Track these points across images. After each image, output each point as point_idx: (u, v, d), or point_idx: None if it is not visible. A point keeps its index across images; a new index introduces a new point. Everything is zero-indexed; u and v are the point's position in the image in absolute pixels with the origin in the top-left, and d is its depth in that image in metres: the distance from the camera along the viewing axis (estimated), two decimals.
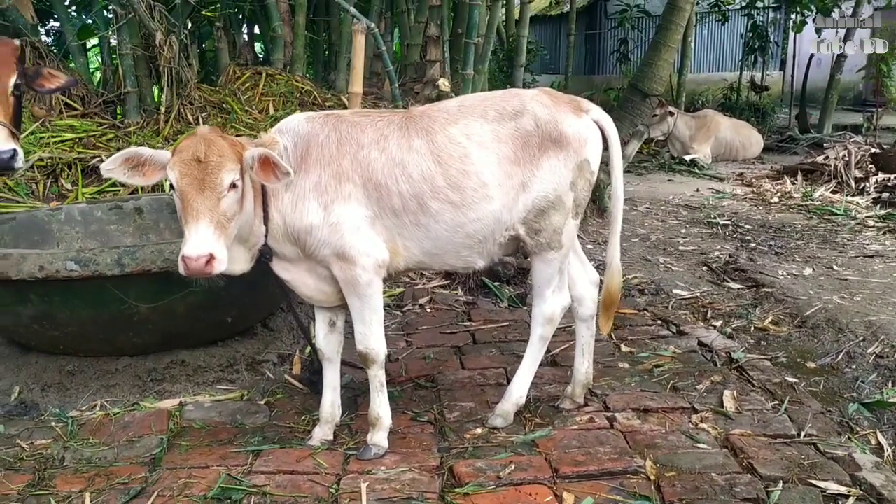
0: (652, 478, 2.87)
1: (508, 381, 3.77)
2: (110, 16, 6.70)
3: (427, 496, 2.76)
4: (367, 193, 2.87)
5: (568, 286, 3.40)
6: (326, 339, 3.18)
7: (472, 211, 2.93)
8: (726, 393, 3.57)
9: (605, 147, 3.24)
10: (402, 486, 2.82)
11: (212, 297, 3.46)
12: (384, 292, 4.97)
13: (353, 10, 5.63)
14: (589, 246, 6.48)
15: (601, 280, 3.53)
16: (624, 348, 4.26)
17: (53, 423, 3.38)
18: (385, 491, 2.79)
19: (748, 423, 3.29)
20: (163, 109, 6.36)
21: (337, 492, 2.80)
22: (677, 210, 8.64)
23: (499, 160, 2.95)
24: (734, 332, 4.51)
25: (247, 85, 6.95)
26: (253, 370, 3.80)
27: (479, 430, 3.29)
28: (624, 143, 8.40)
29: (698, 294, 5.31)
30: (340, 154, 2.85)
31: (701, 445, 3.11)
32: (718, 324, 4.69)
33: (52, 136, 6.11)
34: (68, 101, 6.57)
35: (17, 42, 3.58)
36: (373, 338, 3.00)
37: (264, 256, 2.90)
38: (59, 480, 2.93)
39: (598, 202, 7.60)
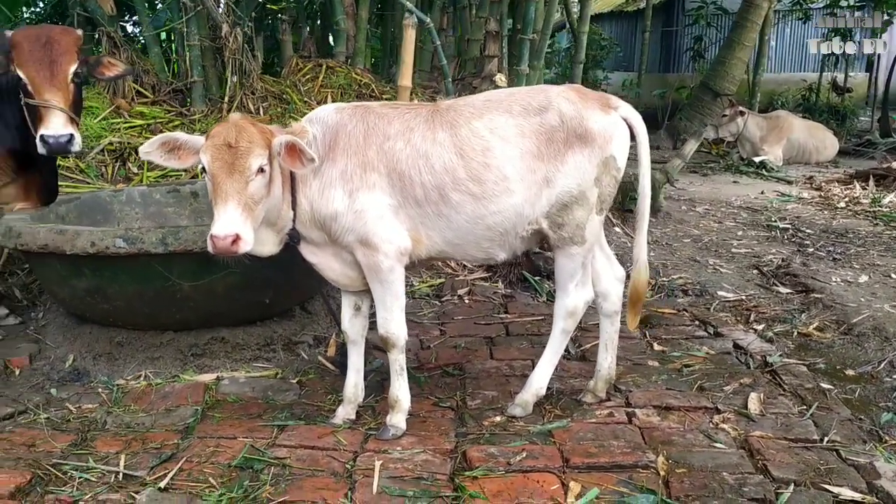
0: (662, 473, 2.89)
1: None
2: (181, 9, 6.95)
3: (437, 477, 2.85)
4: (391, 183, 2.97)
5: (593, 281, 3.44)
6: (351, 323, 3.30)
7: (493, 204, 3.00)
8: (753, 395, 3.54)
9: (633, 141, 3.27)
10: (414, 466, 2.92)
11: (248, 278, 3.62)
12: (424, 282, 5.11)
13: (408, 4, 5.74)
14: (651, 246, 6.42)
15: (627, 276, 3.55)
16: (656, 347, 4.25)
17: (100, 390, 3.61)
18: (398, 470, 2.89)
19: (770, 426, 3.27)
20: (226, 99, 6.62)
21: (352, 468, 2.92)
22: (737, 212, 8.47)
23: (521, 154, 3.00)
24: (775, 337, 4.44)
25: (307, 77, 7.15)
26: (289, 350, 3.96)
27: (497, 418, 3.36)
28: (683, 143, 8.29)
29: (743, 297, 5.24)
30: (367, 144, 2.96)
31: (717, 445, 3.11)
32: (760, 327, 4.62)
33: (123, 123, 6.43)
34: (140, 89, 6.90)
35: (79, 32, 3.82)
36: (394, 322, 3.10)
37: (292, 240, 3.04)
38: (99, 442, 3.14)
39: (653, 202, 7.51)
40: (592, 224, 3.17)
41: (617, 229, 6.64)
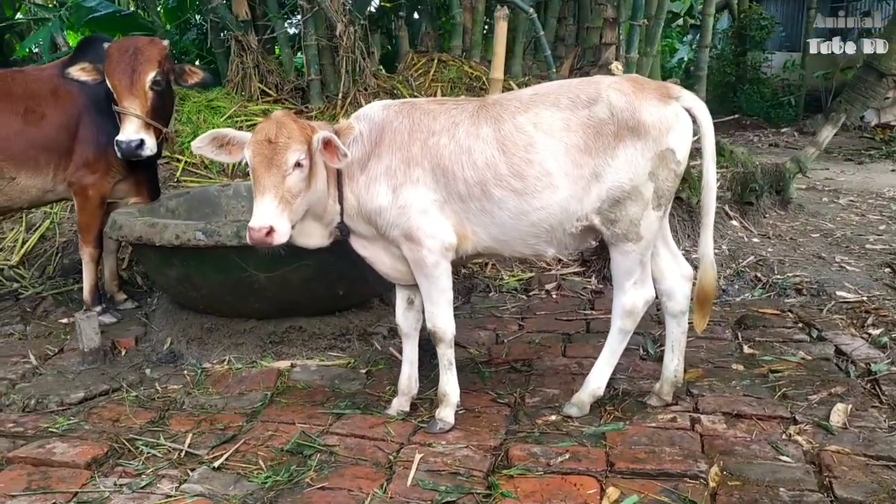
0: (712, 484, 2.72)
1: None
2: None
3: (473, 473, 2.84)
4: (435, 178, 2.98)
5: (657, 279, 3.29)
6: (404, 316, 3.34)
7: (536, 199, 2.93)
8: (839, 406, 3.25)
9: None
10: (454, 460, 2.92)
11: (322, 270, 3.75)
12: (513, 276, 5.08)
13: None
14: (756, 240, 6.06)
15: (696, 274, 3.36)
16: (746, 350, 3.99)
17: (186, 372, 3.87)
18: (436, 464, 2.91)
19: (850, 441, 2.99)
20: (339, 95, 6.85)
21: (395, 459, 2.97)
22: (886, 204, 7.77)
23: (566, 149, 2.92)
24: (892, 343, 4.05)
25: (420, 72, 7.25)
26: (363, 340, 4.07)
27: (552, 417, 3.29)
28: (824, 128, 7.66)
29: (865, 298, 4.81)
30: (411, 140, 2.99)
31: (784, 458, 2.89)
32: (877, 332, 4.23)
33: (246, 120, 6.82)
34: (265, 88, 7.29)
35: (165, 42, 4.11)
36: (440, 317, 3.11)
37: (342, 233, 3.12)
38: (174, 420, 3.37)
39: (782, 193, 7.05)
40: (648, 220, 3.02)
41: (734, 223, 6.28)
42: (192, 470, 2.93)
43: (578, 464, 2.87)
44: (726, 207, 6.30)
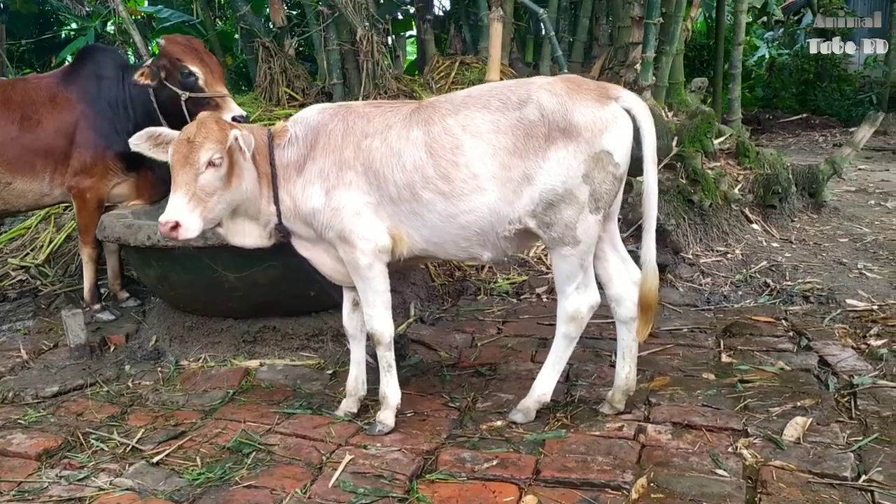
0: (634, 496, 2.63)
1: (567, 379, 3.67)
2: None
3: (397, 476, 2.82)
4: (368, 181, 2.98)
5: (605, 285, 3.21)
6: (349, 318, 3.35)
7: (463, 202, 2.90)
8: (797, 420, 3.09)
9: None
10: (381, 463, 2.92)
11: (290, 271, 3.79)
12: (507, 279, 5.03)
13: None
14: (775, 244, 5.82)
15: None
16: (724, 358, 3.84)
17: (161, 369, 3.99)
18: (364, 466, 2.91)
19: (798, 457, 2.84)
20: (360, 98, 6.92)
21: (327, 460, 2.98)
22: None
23: (494, 151, 2.87)
24: (891, 355, 3.82)
25: (441, 74, 7.26)
26: (337, 342, 4.09)
27: (498, 423, 3.24)
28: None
29: (875, 307, 4.55)
30: (344, 143, 3.00)
31: (720, 472, 2.76)
32: (878, 343, 4.00)
33: (270, 124, 6.96)
34: (291, 93, 7.43)
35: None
36: (377, 319, 3.12)
37: (282, 234, 3.16)
38: (133, 416, 3.48)
39: (815, 196, 6.74)
40: (586, 224, 2.93)
41: (755, 226, 6.04)
42: (131, 465, 3.02)
43: (504, 470, 2.82)
44: (746, 210, 6.07)
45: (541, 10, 5.94)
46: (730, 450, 2.93)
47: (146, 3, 12.65)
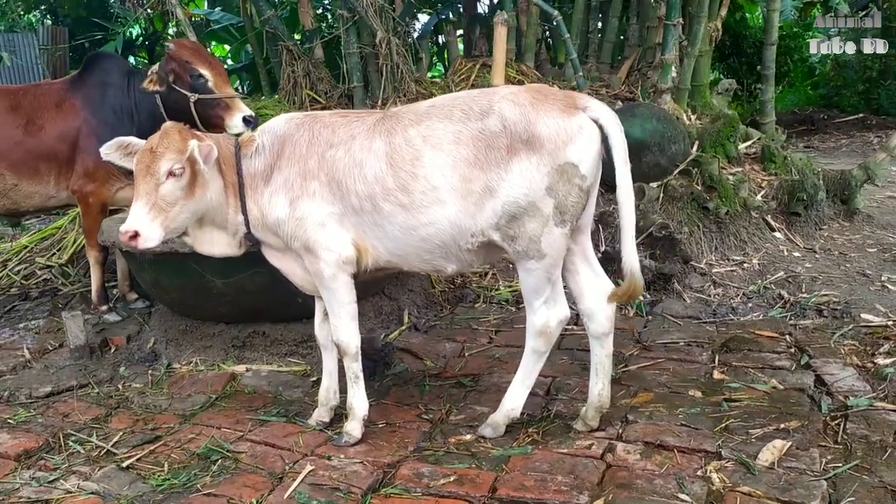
0: None
1: (548, 393, 3.61)
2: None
3: (353, 490, 2.80)
4: (332, 191, 2.97)
5: (577, 299, 3.14)
6: (320, 328, 3.34)
7: (423, 215, 2.86)
8: (776, 443, 2.96)
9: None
10: (340, 475, 2.90)
11: (276, 278, 3.81)
12: (508, 287, 4.96)
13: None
14: (797, 254, 5.61)
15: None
16: (717, 375, 3.71)
17: (153, 372, 4.06)
18: (323, 477, 2.89)
19: (768, 482, 2.72)
20: (379, 102, 6.93)
21: (289, 470, 2.98)
22: None
23: (454, 163, 2.82)
24: None
25: (462, 76, 7.21)
26: None
27: (467, 437, 3.20)
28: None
29: (891, 322, 4.34)
30: (309, 153, 2.99)
31: (682, 496, 2.67)
32: (886, 361, 3.82)
33: None
34: (315, 96, 7.49)
35: None
36: (342, 329, 3.10)
37: (253, 244, 3.17)
38: (116, 419, 3.55)
39: (848, 203, 6.48)
40: (551, 237, 2.86)
41: (778, 234, 5.83)
42: (101, 468, 3.07)
43: (460, 487, 2.78)
44: (769, 217, 5.86)
45: (555, 12, 5.84)
46: (698, 473, 2.83)
47: (205, 5, 12.94)
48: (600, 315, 3.08)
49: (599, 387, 3.14)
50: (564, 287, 3.12)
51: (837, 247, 5.85)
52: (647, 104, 5.78)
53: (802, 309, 4.65)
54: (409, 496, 2.75)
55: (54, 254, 6.29)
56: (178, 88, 4.43)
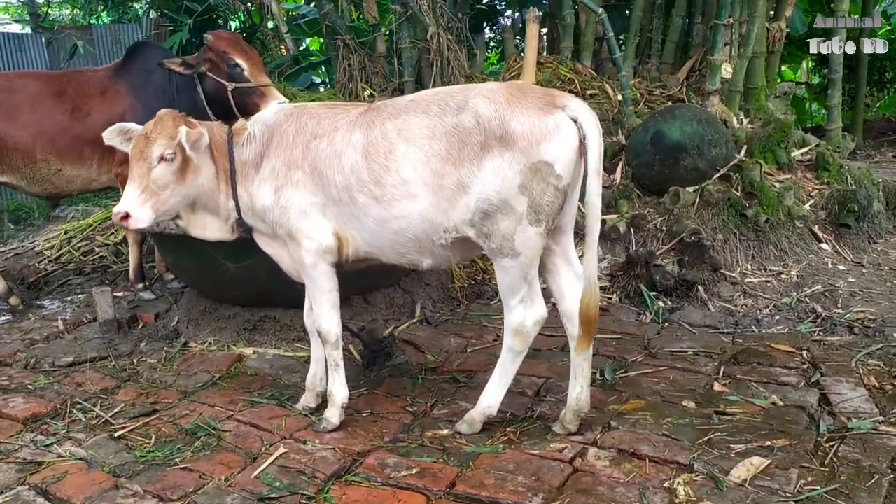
0: None
1: (537, 394, 3.59)
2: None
3: (317, 475, 2.86)
4: (314, 181, 3.03)
5: (557, 300, 3.11)
6: (308, 315, 3.41)
7: (394, 208, 2.88)
8: (753, 460, 2.85)
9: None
10: (309, 460, 2.97)
11: None
12: None
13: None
14: (841, 267, 5.34)
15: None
16: (717, 386, 3.59)
17: (168, 349, 4.23)
18: (292, 461, 2.97)
19: (735, 500, 2.63)
20: None
21: (264, 451, 3.07)
22: None
23: (426, 158, 2.83)
24: None
25: (514, 73, 7.17)
26: None
27: (444, 432, 3.21)
28: None
29: None
30: (294, 143, 3.06)
31: None
32: None
33: None
34: (371, 89, 7.61)
35: None
36: (324, 317, 3.16)
37: (244, 230, 3.27)
38: (123, 391, 3.73)
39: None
40: (525, 236, 2.83)
41: (825, 246, 5.56)
42: (95, 436, 3.24)
43: (420, 480, 2.80)
44: (816, 228, 5.60)
45: (599, 10, 5.74)
46: (665, 484, 2.76)
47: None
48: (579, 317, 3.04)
49: (578, 390, 3.10)
50: (544, 288, 3.10)
51: (889, 262, 5.54)
52: (690, 106, 5.62)
53: (833, 325, 4.44)
54: (368, 485, 2.80)
55: (112, 233, 6.63)
56: (216, 77, 4.61)
